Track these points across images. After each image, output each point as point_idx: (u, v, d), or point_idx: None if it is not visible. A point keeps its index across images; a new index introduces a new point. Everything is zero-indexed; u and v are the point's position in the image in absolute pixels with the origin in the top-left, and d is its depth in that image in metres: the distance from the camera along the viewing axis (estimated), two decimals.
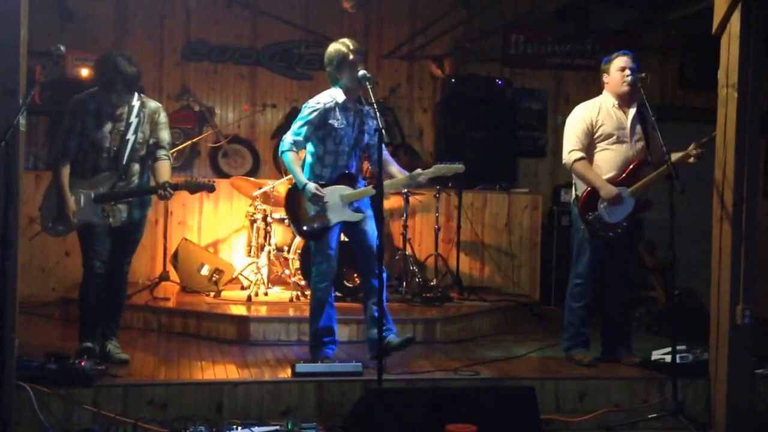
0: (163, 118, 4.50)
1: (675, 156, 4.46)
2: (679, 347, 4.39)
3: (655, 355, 4.67)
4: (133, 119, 4.38)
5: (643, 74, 4.61)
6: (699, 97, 8.05)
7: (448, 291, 6.52)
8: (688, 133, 4.81)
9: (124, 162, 4.36)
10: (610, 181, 4.65)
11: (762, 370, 4.56)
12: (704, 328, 4.54)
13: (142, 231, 4.62)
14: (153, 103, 4.51)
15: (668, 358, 4.39)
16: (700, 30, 5.08)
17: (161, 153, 4.48)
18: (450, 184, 7.19)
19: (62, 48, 3.95)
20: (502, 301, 6.63)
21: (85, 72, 6.96)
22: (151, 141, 4.44)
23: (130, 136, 4.36)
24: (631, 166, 4.67)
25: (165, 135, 4.50)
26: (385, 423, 3.76)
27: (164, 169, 4.44)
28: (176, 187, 4.39)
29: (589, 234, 4.69)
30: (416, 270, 6.46)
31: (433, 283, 6.61)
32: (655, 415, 4.29)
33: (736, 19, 4.28)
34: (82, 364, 3.96)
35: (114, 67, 4.27)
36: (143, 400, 3.97)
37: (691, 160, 4.59)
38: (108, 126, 4.36)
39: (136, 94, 4.43)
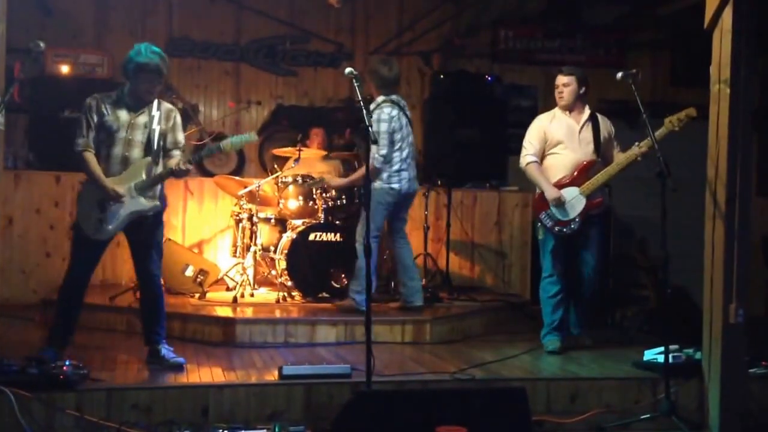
0: (179, 119, 4.59)
1: (622, 154, 5.03)
2: (671, 347, 4.36)
3: (648, 354, 4.64)
4: (155, 112, 4.46)
5: (634, 70, 4.62)
6: (691, 93, 8.01)
7: (438, 291, 6.45)
8: (680, 130, 4.78)
9: (155, 148, 4.45)
10: (561, 181, 5.08)
11: (755, 370, 4.54)
12: (697, 327, 4.51)
13: (159, 225, 4.60)
14: (167, 104, 4.60)
15: (661, 358, 4.35)
16: (691, 25, 5.06)
17: (176, 152, 4.57)
18: (439, 182, 7.13)
19: (42, 44, 3.93)
20: (492, 301, 6.59)
21: (65, 68, 6.85)
22: (169, 140, 4.53)
23: (156, 126, 4.44)
24: (580, 168, 5.08)
25: (181, 137, 4.62)
26: (374, 425, 3.70)
27: (176, 160, 4.56)
28: (190, 161, 4.46)
29: (546, 229, 5.14)
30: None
31: (423, 283, 6.54)
32: (647, 415, 4.25)
33: (728, 14, 4.23)
34: (64, 368, 3.87)
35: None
36: (127, 404, 3.89)
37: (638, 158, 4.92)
38: (125, 116, 4.40)
39: None
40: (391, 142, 5.51)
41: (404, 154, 5.60)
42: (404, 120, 5.63)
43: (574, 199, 5.05)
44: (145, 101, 4.44)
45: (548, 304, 5.20)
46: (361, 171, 5.69)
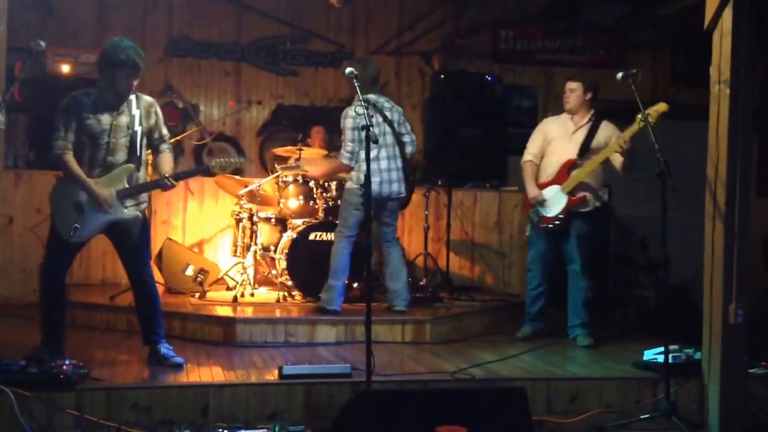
0: (160, 112, 4.51)
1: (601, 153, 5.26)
2: (671, 347, 4.35)
3: (648, 354, 4.64)
4: (135, 111, 4.36)
5: (634, 70, 4.62)
6: (691, 93, 8.02)
7: (438, 291, 6.43)
8: (680, 130, 4.78)
9: (138, 153, 4.36)
10: (545, 181, 5.38)
11: (755, 370, 4.54)
12: (697, 327, 4.50)
13: (145, 229, 4.52)
14: (146, 97, 4.49)
15: (660, 358, 4.34)
16: (691, 26, 5.06)
17: (164, 146, 4.50)
18: (439, 182, 7.13)
19: (42, 44, 3.91)
20: (492, 300, 6.58)
21: (65, 68, 6.85)
22: (156, 135, 4.46)
23: (137, 128, 4.35)
24: (561, 167, 5.34)
25: (166, 131, 4.54)
26: (374, 425, 3.70)
27: (168, 161, 4.47)
28: (177, 177, 4.43)
29: (533, 225, 5.47)
30: (405, 269, 6.37)
31: (423, 283, 6.55)
32: (647, 415, 4.24)
33: (728, 15, 4.23)
34: (64, 367, 3.87)
35: (121, 52, 4.24)
36: (127, 404, 3.88)
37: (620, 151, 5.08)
38: (106, 119, 4.30)
39: None
40: (360, 140, 5.35)
41: (373, 153, 5.39)
42: (377, 118, 5.49)
43: (555, 197, 5.32)
44: (124, 97, 4.34)
45: (528, 296, 5.60)
46: (338, 162, 5.62)
